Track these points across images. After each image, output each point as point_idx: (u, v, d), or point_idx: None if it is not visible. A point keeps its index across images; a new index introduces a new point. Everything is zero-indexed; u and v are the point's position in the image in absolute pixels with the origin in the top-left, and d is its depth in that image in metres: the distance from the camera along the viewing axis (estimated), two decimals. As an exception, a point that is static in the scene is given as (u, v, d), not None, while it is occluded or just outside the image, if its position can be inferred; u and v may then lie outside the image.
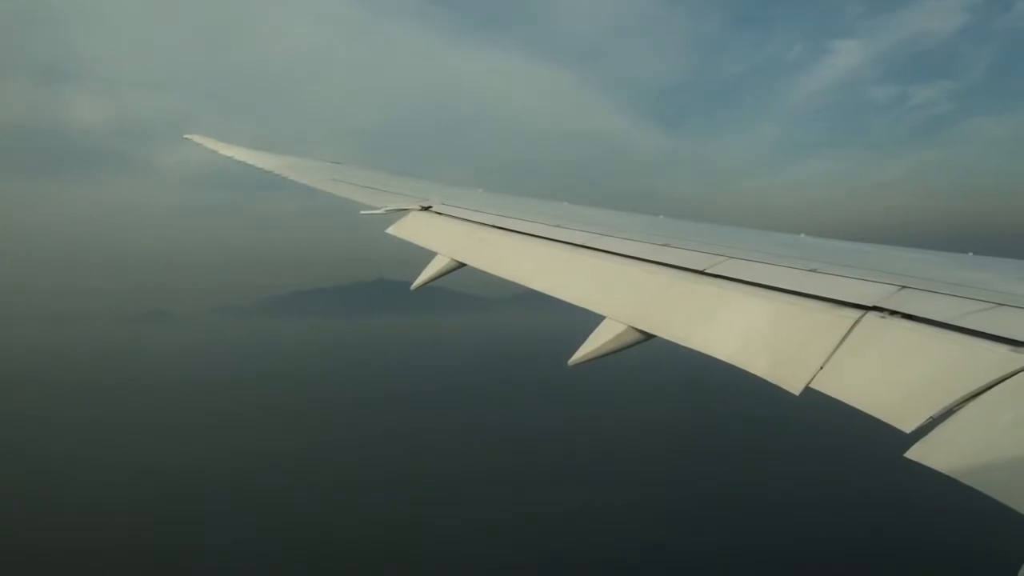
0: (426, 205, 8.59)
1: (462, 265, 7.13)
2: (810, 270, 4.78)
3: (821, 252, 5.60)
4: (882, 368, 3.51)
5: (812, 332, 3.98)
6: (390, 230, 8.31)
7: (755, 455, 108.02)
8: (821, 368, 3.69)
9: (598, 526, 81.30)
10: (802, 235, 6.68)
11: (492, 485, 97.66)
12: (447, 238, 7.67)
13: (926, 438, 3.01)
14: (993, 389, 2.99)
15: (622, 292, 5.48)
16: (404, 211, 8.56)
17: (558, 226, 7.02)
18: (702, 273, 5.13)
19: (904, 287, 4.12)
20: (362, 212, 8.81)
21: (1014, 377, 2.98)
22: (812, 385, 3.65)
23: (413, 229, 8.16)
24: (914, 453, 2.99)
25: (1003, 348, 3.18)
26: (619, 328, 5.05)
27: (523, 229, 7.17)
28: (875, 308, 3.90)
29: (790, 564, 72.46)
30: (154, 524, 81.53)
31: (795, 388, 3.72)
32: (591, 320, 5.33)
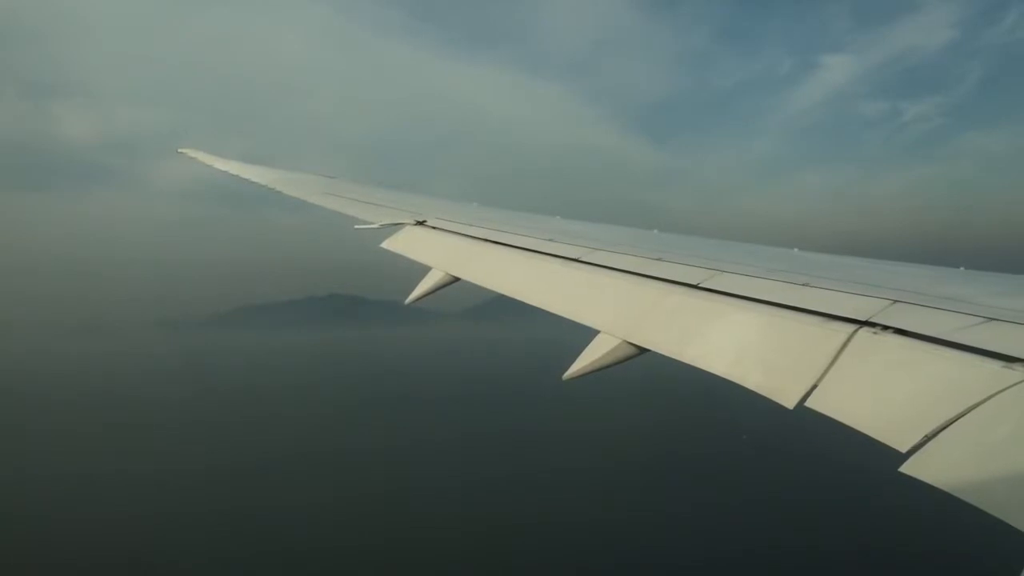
0: (420, 219, 8.61)
1: (456, 279, 7.14)
2: (802, 284, 4.80)
3: (813, 266, 5.62)
4: (875, 386, 3.51)
5: (805, 346, 3.98)
6: (385, 244, 8.32)
7: (750, 466, 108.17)
8: (815, 386, 3.68)
9: (597, 531, 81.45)
10: (795, 249, 6.71)
11: (490, 494, 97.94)
12: (442, 252, 7.68)
13: (920, 452, 3.01)
14: (986, 404, 2.99)
15: (616, 306, 5.49)
16: (399, 225, 8.58)
17: (552, 240, 7.04)
18: (695, 287, 5.14)
19: (896, 302, 4.13)
20: (356, 227, 8.81)
21: (1007, 392, 2.98)
22: (807, 404, 3.66)
23: (408, 243, 8.17)
24: (909, 467, 2.99)
25: (996, 364, 3.18)
26: (613, 342, 5.05)
27: (517, 243, 7.18)
28: (867, 323, 3.91)
29: (786, 570, 72.42)
30: (120, 537, 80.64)
31: (789, 402, 3.72)
32: (584, 334, 5.33)
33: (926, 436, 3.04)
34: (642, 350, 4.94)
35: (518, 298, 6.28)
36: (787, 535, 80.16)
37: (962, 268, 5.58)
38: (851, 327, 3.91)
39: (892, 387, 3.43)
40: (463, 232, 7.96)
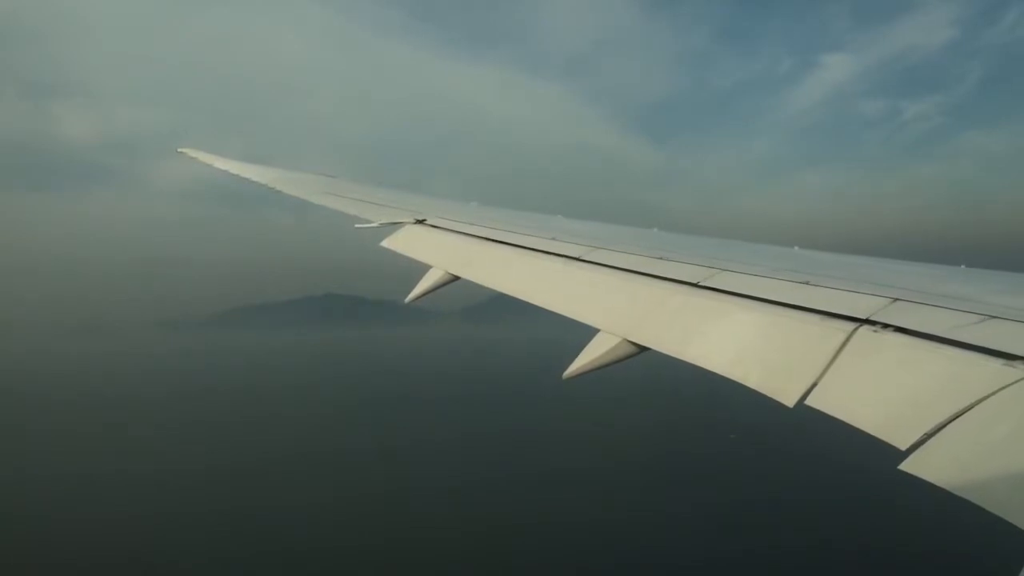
0: (420, 218, 8.59)
1: (456, 278, 7.11)
2: (803, 282, 4.79)
3: (814, 264, 5.61)
4: (875, 384, 3.50)
5: (805, 344, 3.97)
6: (384, 243, 8.28)
7: (750, 466, 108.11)
8: (815, 384, 3.67)
9: (597, 531, 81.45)
10: (795, 248, 6.70)
11: (490, 494, 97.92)
12: (442, 251, 7.65)
13: (920, 450, 3.01)
14: (986, 402, 2.99)
15: (616, 305, 5.47)
16: (398, 224, 8.55)
17: (553, 239, 7.03)
18: (696, 286, 5.13)
19: (897, 300, 4.12)
20: (356, 226, 8.79)
21: (1007, 389, 2.98)
22: (807, 402, 3.65)
23: (407, 242, 8.13)
24: (908, 465, 2.98)
25: (996, 362, 3.18)
26: (613, 341, 5.03)
27: (518, 242, 7.16)
28: (868, 321, 3.90)
29: (786, 570, 72.36)
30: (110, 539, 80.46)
31: (789, 401, 3.71)
32: (585, 333, 5.33)
33: (926, 434, 3.03)
34: (642, 348, 4.93)
35: (519, 297, 6.26)
36: (787, 535, 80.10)
37: (963, 266, 5.58)
38: (851, 325, 3.90)
39: (892, 385, 3.42)
40: (463, 231, 7.93)
